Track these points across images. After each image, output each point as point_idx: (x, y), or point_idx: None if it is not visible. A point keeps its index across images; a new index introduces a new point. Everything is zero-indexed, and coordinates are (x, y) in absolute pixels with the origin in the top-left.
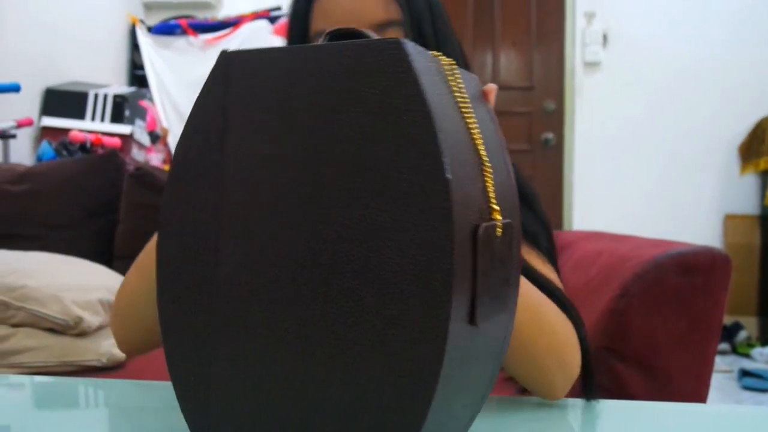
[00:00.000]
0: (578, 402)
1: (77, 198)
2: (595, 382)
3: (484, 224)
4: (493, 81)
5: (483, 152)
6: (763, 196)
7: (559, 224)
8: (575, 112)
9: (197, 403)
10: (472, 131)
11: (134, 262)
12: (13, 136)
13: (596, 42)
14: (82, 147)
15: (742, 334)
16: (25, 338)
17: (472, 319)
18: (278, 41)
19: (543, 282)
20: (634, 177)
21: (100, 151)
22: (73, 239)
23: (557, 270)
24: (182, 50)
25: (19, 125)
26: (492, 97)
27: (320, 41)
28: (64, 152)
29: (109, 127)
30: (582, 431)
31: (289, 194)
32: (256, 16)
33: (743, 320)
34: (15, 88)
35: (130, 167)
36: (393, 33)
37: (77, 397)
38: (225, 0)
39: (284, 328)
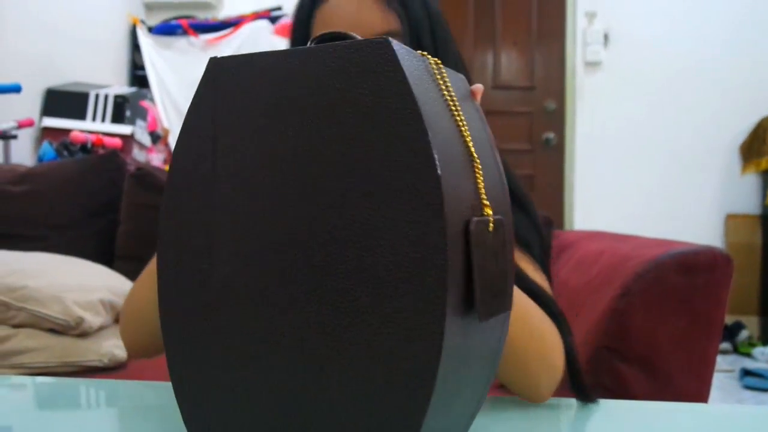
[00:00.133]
0: (580, 402)
1: (78, 198)
2: (587, 388)
3: (476, 219)
4: (494, 81)
5: (473, 149)
6: (764, 196)
7: (560, 224)
8: (576, 111)
9: (196, 406)
10: (461, 128)
11: (144, 269)
12: (14, 137)
13: (597, 42)
14: (83, 147)
15: (744, 334)
16: (26, 339)
17: (467, 315)
18: (279, 41)
19: (533, 288)
20: (635, 177)
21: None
22: (74, 239)
23: (549, 276)
24: (183, 50)
25: (20, 126)
26: (479, 97)
27: (309, 45)
28: (65, 153)
29: (109, 127)
30: (583, 431)
31: (280, 196)
32: (257, 16)
33: (744, 320)
34: (16, 89)
35: (131, 167)
36: None
37: (78, 397)
38: (225, 0)
39: (280, 330)
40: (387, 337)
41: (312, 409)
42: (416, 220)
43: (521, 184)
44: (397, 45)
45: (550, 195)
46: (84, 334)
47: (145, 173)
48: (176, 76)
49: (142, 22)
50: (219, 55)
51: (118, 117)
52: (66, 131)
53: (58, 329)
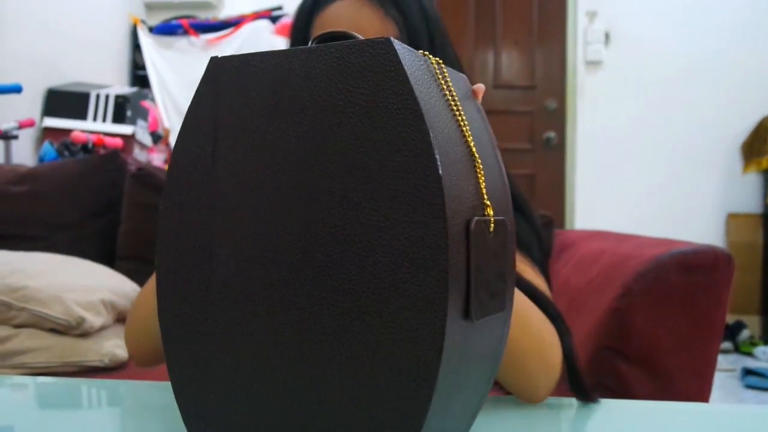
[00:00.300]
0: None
1: (79, 198)
2: (587, 388)
3: (476, 218)
4: (495, 80)
5: (474, 149)
6: (765, 195)
7: (561, 223)
8: (577, 111)
9: (196, 406)
10: (462, 128)
11: (149, 279)
12: (15, 137)
13: (598, 41)
14: (84, 147)
15: (745, 333)
16: (27, 339)
17: (467, 315)
18: (279, 41)
19: (532, 291)
20: (636, 176)
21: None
22: (74, 239)
23: (548, 279)
24: (184, 50)
25: (21, 126)
26: (480, 97)
27: (310, 45)
28: (66, 153)
29: (110, 127)
30: (584, 430)
31: (281, 197)
32: (258, 16)
33: (746, 319)
34: (17, 89)
35: (132, 167)
36: None
37: (80, 397)
38: (226, 0)
39: (281, 331)
40: (388, 337)
41: (312, 409)
42: (417, 221)
43: (520, 188)
44: (398, 44)
45: (551, 194)
46: (85, 334)
47: (146, 173)
48: (177, 75)
49: (143, 22)
50: (220, 54)
51: (119, 117)
52: (67, 131)
53: (59, 329)
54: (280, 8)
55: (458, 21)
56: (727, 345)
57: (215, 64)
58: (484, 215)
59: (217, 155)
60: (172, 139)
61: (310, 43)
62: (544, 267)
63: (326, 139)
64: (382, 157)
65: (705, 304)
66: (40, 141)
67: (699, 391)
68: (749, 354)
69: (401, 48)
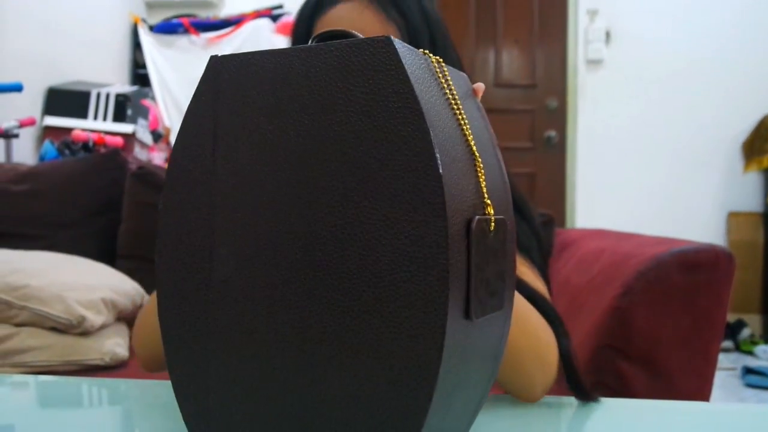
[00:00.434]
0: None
1: (80, 197)
2: (586, 389)
3: (477, 217)
4: (496, 79)
5: (474, 148)
6: (766, 194)
7: (562, 222)
8: (578, 109)
9: (197, 405)
10: (463, 127)
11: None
12: (16, 136)
13: (599, 39)
14: (85, 146)
15: (746, 332)
16: (28, 338)
17: (468, 314)
18: (280, 40)
19: (531, 293)
20: (637, 174)
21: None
22: (75, 238)
23: (547, 280)
24: (184, 49)
25: (22, 125)
26: (480, 96)
27: (310, 43)
28: (67, 151)
29: (111, 126)
30: (585, 430)
31: (281, 196)
32: (258, 14)
33: (747, 318)
34: (17, 88)
35: (133, 166)
36: None
37: (80, 396)
38: None
39: (281, 330)
40: (388, 336)
41: (313, 408)
42: (417, 219)
43: (520, 188)
44: (398, 43)
45: (552, 193)
46: (86, 333)
47: (146, 172)
48: (177, 74)
49: (144, 20)
50: (220, 53)
51: (119, 116)
52: (67, 130)
53: (60, 328)
54: (280, 7)
55: (459, 19)
56: (727, 344)
57: (215, 62)
58: (484, 214)
59: (217, 154)
60: (173, 138)
61: (310, 41)
62: (543, 268)
63: (326, 138)
64: (382, 155)
65: (706, 303)
66: (40, 140)
67: (699, 390)
68: (750, 353)
69: (401, 46)
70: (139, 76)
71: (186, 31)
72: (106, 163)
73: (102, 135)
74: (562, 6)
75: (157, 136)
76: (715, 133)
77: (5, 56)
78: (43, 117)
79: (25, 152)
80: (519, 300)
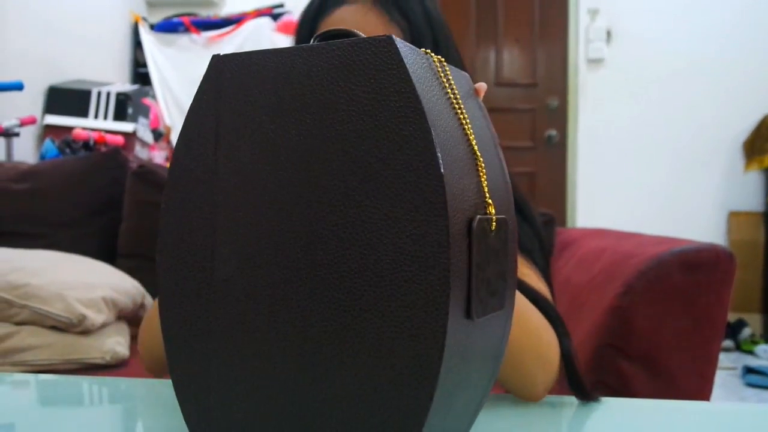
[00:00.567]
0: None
1: (80, 196)
2: (586, 389)
3: (479, 217)
4: (497, 78)
5: (476, 147)
6: (767, 193)
7: (563, 221)
8: (578, 109)
9: (197, 405)
10: (464, 126)
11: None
12: (17, 135)
13: (600, 39)
14: (86, 145)
15: (746, 331)
16: (28, 336)
17: (469, 314)
18: (281, 38)
19: (533, 295)
20: (638, 174)
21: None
22: (76, 237)
23: (549, 281)
24: (185, 48)
25: (23, 123)
26: (482, 95)
27: (312, 42)
28: (68, 150)
29: (112, 125)
30: (585, 429)
31: (283, 195)
32: (259, 13)
33: (747, 317)
34: (18, 87)
35: (133, 165)
36: None
37: (81, 395)
38: None
39: (283, 329)
40: (389, 335)
41: (314, 408)
42: (419, 219)
43: (521, 189)
44: (400, 43)
45: (553, 192)
46: (86, 332)
47: (147, 171)
48: (178, 73)
49: (144, 19)
50: (221, 52)
51: (120, 114)
52: (68, 129)
53: (60, 327)
54: (281, 5)
55: (460, 19)
56: (728, 343)
57: (217, 62)
58: (485, 213)
59: (219, 153)
60: (174, 137)
61: (312, 40)
62: (545, 270)
63: (328, 137)
64: (383, 155)
65: (706, 303)
66: (41, 138)
67: (700, 390)
68: (750, 352)
69: (403, 46)
70: (140, 74)
71: (187, 30)
72: (107, 161)
73: (103, 134)
74: (563, 5)
75: (158, 134)
76: (715, 132)
77: (6, 55)
78: (44, 116)
79: (25, 151)
80: (520, 299)
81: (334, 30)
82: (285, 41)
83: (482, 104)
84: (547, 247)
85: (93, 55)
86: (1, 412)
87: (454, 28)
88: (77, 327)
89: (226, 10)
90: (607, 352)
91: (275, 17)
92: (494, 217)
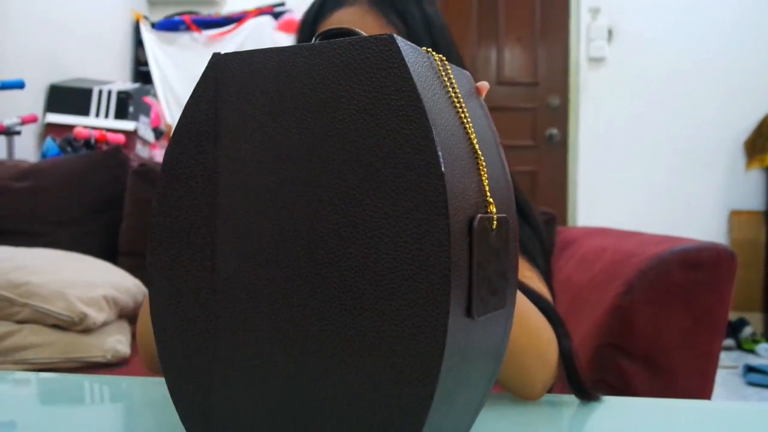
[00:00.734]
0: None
1: (81, 194)
2: (587, 388)
3: (480, 215)
4: (498, 77)
5: (477, 146)
6: None
7: (564, 220)
8: (580, 107)
9: (197, 406)
10: (465, 126)
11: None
12: (18, 133)
13: (601, 37)
14: (87, 143)
15: (747, 330)
16: (29, 335)
17: (469, 313)
18: (282, 37)
19: (533, 296)
20: (639, 173)
21: (104, 147)
22: (77, 236)
23: (550, 282)
24: (186, 46)
25: (24, 122)
26: (484, 94)
27: (313, 41)
28: (69, 149)
29: (113, 123)
30: (586, 428)
31: (283, 194)
32: (260, 11)
33: (748, 316)
34: (19, 85)
35: (134, 164)
36: None
37: (82, 393)
38: None
39: (283, 328)
40: (390, 333)
41: (314, 406)
42: (419, 218)
43: (522, 189)
44: (401, 41)
45: (554, 191)
46: (87, 330)
47: (148, 169)
48: (179, 71)
49: (146, 18)
50: (222, 51)
51: (121, 113)
52: (69, 127)
53: (61, 325)
54: (282, 4)
55: (461, 18)
56: (729, 342)
57: (216, 60)
58: (486, 212)
59: (218, 153)
60: None
61: (313, 39)
62: (547, 271)
63: (329, 136)
64: (384, 154)
65: (707, 301)
66: (42, 137)
67: (701, 389)
68: (751, 351)
69: (404, 45)
70: (141, 73)
71: (188, 29)
72: (108, 160)
73: (104, 132)
74: (564, 4)
75: (159, 133)
76: (716, 131)
77: (7, 53)
78: (45, 114)
79: (27, 149)
80: (520, 298)
81: (336, 29)
82: (286, 40)
83: (483, 103)
84: (548, 248)
85: (94, 54)
86: (2, 411)
87: (456, 27)
88: (78, 325)
89: (227, 8)
90: (608, 351)
91: (276, 16)
92: (495, 216)
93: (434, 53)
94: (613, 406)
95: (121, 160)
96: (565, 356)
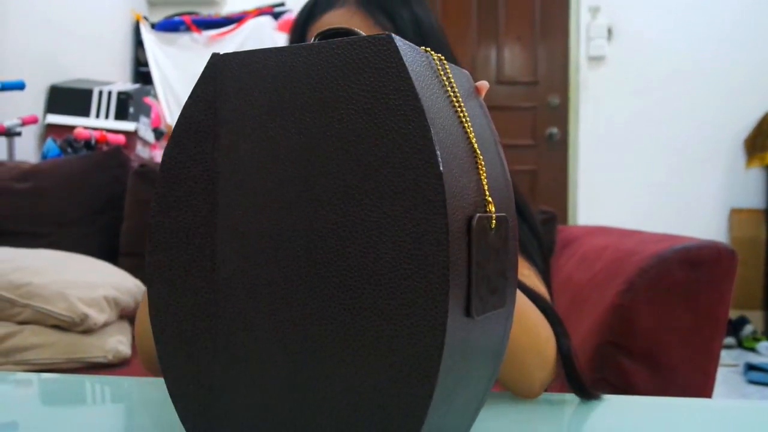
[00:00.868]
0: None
1: (82, 195)
2: (587, 387)
3: (478, 215)
4: (498, 76)
5: (476, 145)
6: None
7: (564, 219)
8: (580, 106)
9: (197, 406)
10: (464, 125)
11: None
12: (18, 134)
13: (601, 36)
14: (87, 144)
15: (748, 328)
16: (30, 335)
17: (468, 312)
18: (282, 37)
19: (531, 295)
20: (639, 171)
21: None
22: (78, 236)
23: (548, 281)
24: (186, 47)
25: (24, 123)
26: (483, 94)
27: (312, 41)
28: (69, 149)
29: (113, 124)
30: (587, 427)
31: (282, 194)
32: (260, 12)
33: (749, 314)
34: (19, 86)
35: (135, 164)
36: None
37: (83, 394)
38: None
39: (283, 327)
40: (389, 333)
41: (314, 405)
42: (418, 217)
43: (521, 189)
44: (399, 41)
45: (554, 190)
46: (88, 331)
47: (148, 170)
48: (179, 72)
49: (146, 18)
50: (222, 51)
51: (121, 114)
52: (70, 128)
53: (62, 326)
54: (282, 4)
55: (461, 17)
56: (730, 340)
57: (215, 60)
58: (485, 211)
59: (217, 152)
60: None
61: (312, 39)
62: (545, 270)
63: (328, 136)
64: (383, 153)
65: (708, 300)
66: (43, 138)
67: (702, 387)
68: (752, 349)
69: (402, 44)
70: (141, 74)
71: (188, 29)
72: (109, 161)
73: (104, 133)
74: (564, 3)
75: (159, 134)
76: (717, 129)
77: (7, 54)
78: (46, 115)
79: (27, 150)
80: (518, 296)
81: (334, 28)
82: (286, 40)
83: (483, 102)
84: (546, 247)
85: (94, 55)
86: (3, 412)
87: (456, 26)
88: (79, 326)
89: (227, 8)
90: (608, 350)
91: (276, 16)
92: (494, 215)
93: (432, 52)
94: (613, 405)
95: (122, 161)
96: (564, 356)
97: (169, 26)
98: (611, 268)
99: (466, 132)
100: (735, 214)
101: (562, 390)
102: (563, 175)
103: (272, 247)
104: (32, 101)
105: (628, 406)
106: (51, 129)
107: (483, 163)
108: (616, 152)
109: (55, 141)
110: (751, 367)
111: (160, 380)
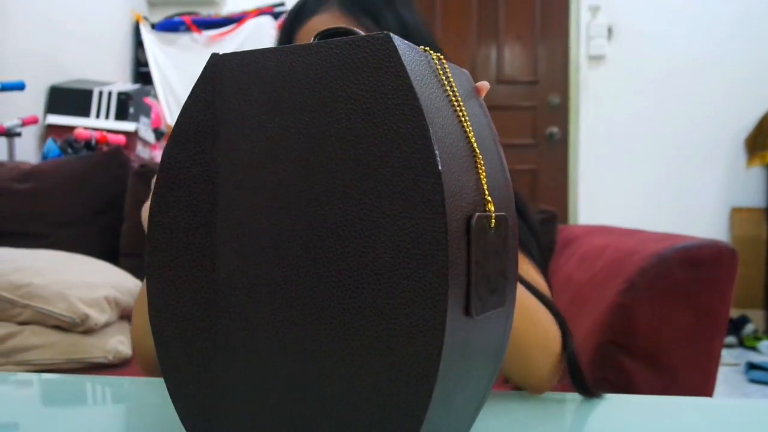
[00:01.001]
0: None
1: (82, 196)
2: (589, 385)
3: (477, 214)
4: (498, 75)
5: (475, 145)
6: None
7: (565, 219)
8: (580, 106)
9: (197, 406)
10: (463, 124)
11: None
12: (18, 134)
13: (601, 35)
14: (87, 144)
15: (749, 327)
16: (31, 336)
17: (468, 311)
18: None
19: (534, 291)
20: (640, 171)
21: (104, 148)
22: (78, 237)
23: (548, 282)
24: (186, 47)
25: (24, 123)
26: (483, 94)
27: (311, 41)
28: (69, 150)
29: (113, 124)
30: (588, 426)
31: (282, 193)
32: (260, 12)
33: (750, 313)
34: (19, 87)
35: (135, 164)
36: None
37: (84, 394)
38: None
39: (283, 327)
40: (388, 332)
41: (313, 405)
42: (417, 217)
43: (519, 190)
44: (398, 40)
45: (554, 190)
46: (89, 331)
47: (148, 170)
48: (179, 72)
49: (146, 18)
50: (222, 51)
51: (121, 114)
52: (70, 128)
53: (63, 326)
54: (282, 4)
55: (461, 16)
56: (731, 339)
57: (215, 60)
58: (485, 211)
59: (216, 152)
60: None
61: (312, 39)
62: (544, 269)
63: (327, 136)
64: (382, 153)
65: (709, 299)
66: (43, 138)
67: (703, 386)
68: (753, 348)
69: (401, 44)
70: (141, 74)
71: (188, 29)
72: (109, 161)
73: (104, 133)
74: (564, 2)
75: (160, 134)
76: (717, 128)
77: (8, 54)
78: (46, 115)
79: (27, 151)
80: (522, 291)
81: (333, 28)
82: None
83: (482, 102)
84: (545, 246)
85: (94, 55)
86: (4, 412)
87: (456, 25)
88: (80, 326)
89: (227, 9)
90: (609, 349)
91: (276, 16)
92: (493, 215)
93: (432, 52)
94: (614, 404)
95: (122, 161)
96: (568, 353)
97: (169, 26)
98: (611, 268)
99: (465, 131)
100: (736, 213)
101: (564, 388)
102: (563, 175)
103: (272, 246)
104: (32, 102)
105: (629, 405)
106: (51, 129)
107: (482, 162)
108: (616, 151)
109: (55, 141)
110: (752, 366)
111: (160, 380)
